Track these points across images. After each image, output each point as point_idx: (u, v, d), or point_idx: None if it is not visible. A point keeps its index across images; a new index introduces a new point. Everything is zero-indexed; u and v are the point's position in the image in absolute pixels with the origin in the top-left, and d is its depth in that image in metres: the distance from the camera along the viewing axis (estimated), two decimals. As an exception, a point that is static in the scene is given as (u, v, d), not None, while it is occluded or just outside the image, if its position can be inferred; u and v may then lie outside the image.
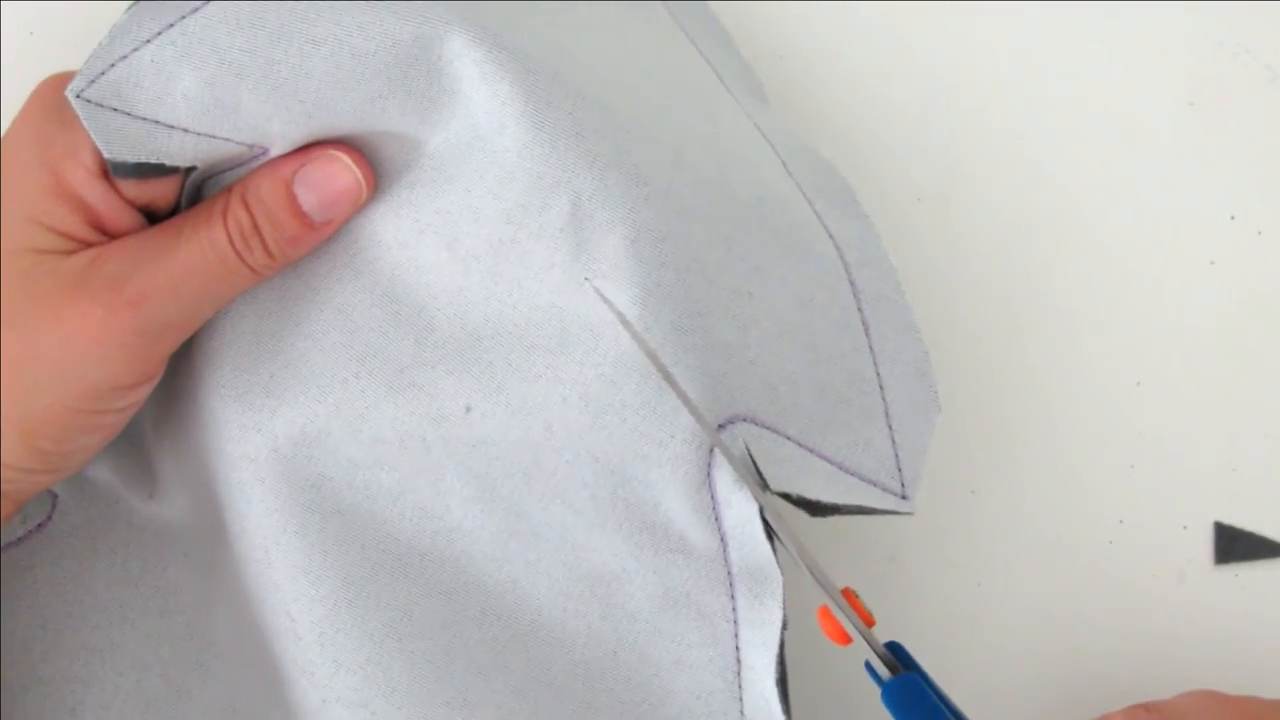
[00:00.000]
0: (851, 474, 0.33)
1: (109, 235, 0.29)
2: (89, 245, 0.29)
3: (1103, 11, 0.41)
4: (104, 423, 0.30)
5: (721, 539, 0.32)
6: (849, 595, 0.30)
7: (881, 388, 0.34)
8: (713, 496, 0.32)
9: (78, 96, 0.28)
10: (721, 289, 0.32)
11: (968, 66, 0.41)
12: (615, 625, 0.32)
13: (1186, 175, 0.41)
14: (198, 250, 0.29)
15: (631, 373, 0.31)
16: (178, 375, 0.32)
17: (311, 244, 0.31)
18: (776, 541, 0.31)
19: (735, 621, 0.32)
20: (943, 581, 0.39)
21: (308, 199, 0.30)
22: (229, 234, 0.30)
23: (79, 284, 0.28)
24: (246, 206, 0.30)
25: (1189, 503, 0.39)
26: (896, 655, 0.30)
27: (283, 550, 0.31)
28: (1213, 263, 0.40)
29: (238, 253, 0.30)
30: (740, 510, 0.31)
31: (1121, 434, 0.39)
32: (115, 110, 0.28)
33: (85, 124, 0.28)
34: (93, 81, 0.28)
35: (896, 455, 0.33)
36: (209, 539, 0.33)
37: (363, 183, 0.31)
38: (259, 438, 0.31)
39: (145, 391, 0.30)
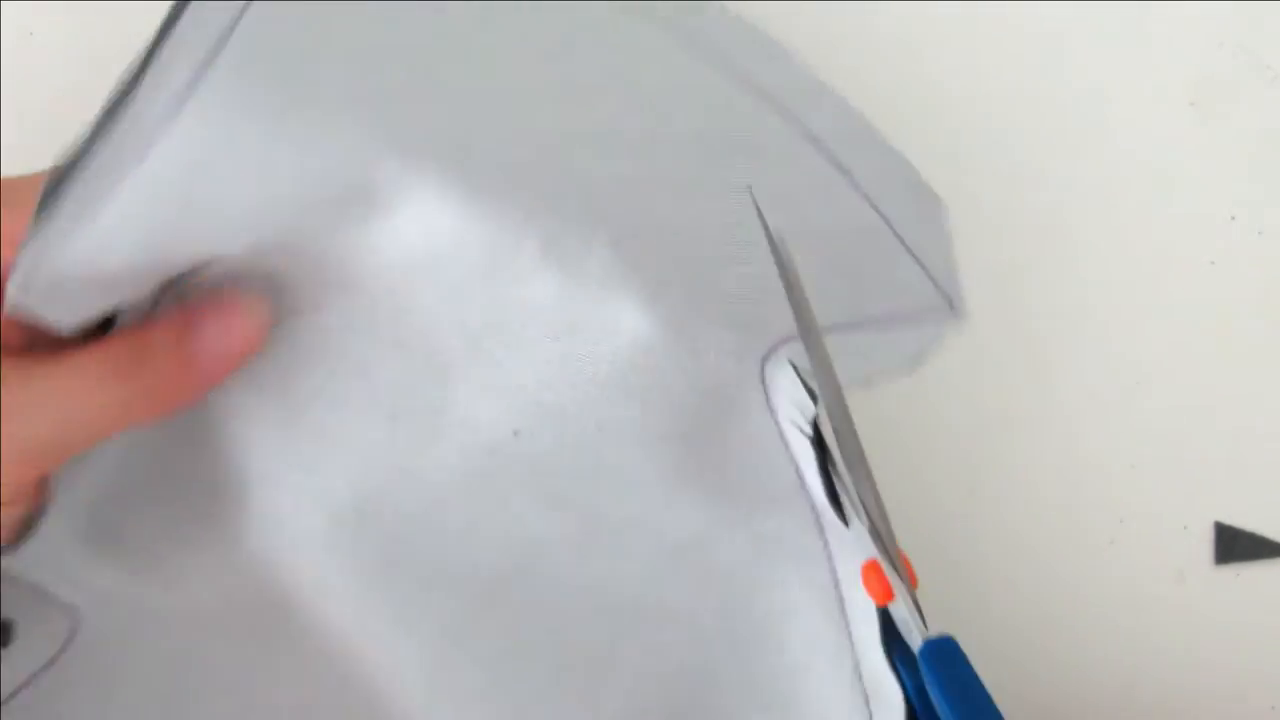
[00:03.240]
0: (902, 321, 0.32)
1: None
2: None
3: (1103, 11, 0.41)
4: None
5: (797, 472, 0.32)
6: (900, 555, 0.30)
7: (888, 222, 0.32)
8: (780, 430, 0.32)
9: (16, 307, 0.27)
10: (711, 239, 0.31)
11: (967, 66, 0.41)
12: (715, 587, 0.32)
13: (1186, 175, 0.41)
14: (72, 374, 0.28)
15: (655, 347, 0.31)
16: (192, 473, 0.32)
17: (196, 393, 0.30)
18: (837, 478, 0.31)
19: (830, 558, 0.32)
20: (943, 581, 0.39)
21: (198, 346, 0.29)
22: (111, 366, 0.29)
23: None
24: (135, 345, 0.29)
25: (1189, 503, 0.39)
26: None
27: (372, 611, 0.31)
28: (1213, 263, 0.40)
29: (116, 386, 0.29)
30: (803, 444, 0.31)
31: (1121, 434, 0.39)
32: (55, 301, 0.28)
33: (37, 315, 0.27)
34: (27, 289, 0.27)
35: (932, 279, 0.32)
36: (257, 618, 0.32)
37: (258, 337, 0.30)
38: (315, 516, 0.31)
39: (15, 512, 0.29)
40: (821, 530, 0.32)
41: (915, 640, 0.29)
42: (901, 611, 0.29)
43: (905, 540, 0.38)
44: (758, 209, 0.30)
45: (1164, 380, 0.40)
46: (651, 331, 0.31)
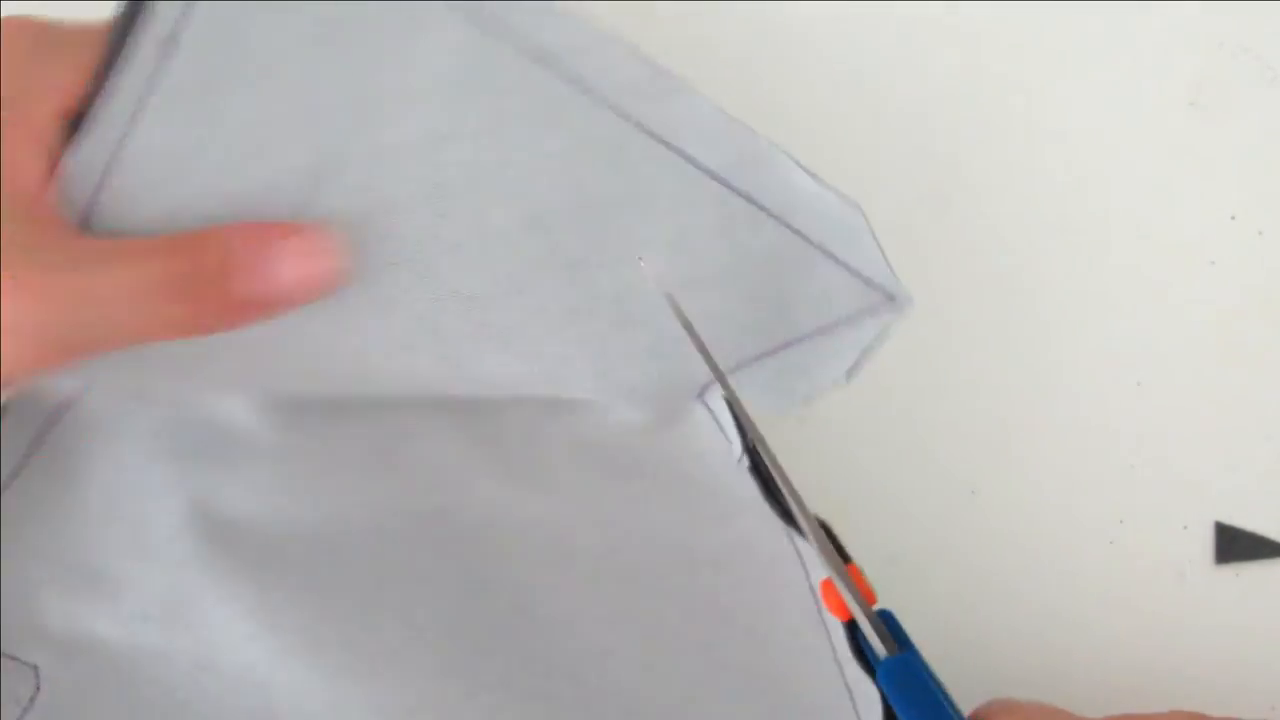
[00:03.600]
0: (841, 326, 0.32)
1: None
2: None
3: (1103, 11, 0.41)
4: None
5: (760, 483, 0.33)
6: (854, 572, 0.30)
7: (803, 236, 0.32)
8: (731, 449, 0.33)
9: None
10: (606, 311, 0.31)
11: (968, 66, 0.41)
12: (704, 578, 0.33)
13: (1186, 175, 0.41)
14: (124, 273, 0.26)
15: (578, 418, 0.33)
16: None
17: (254, 319, 0.27)
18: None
19: (803, 563, 0.33)
20: (943, 581, 0.39)
21: (275, 269, 0.27)
22: (168, 273, 0.26)
23: (9, 246, 0.25)
24: (201, 255, 0.26)
25: (1189, 503, 0.39)
26: (888, 625, 0.30)
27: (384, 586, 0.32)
28: (1213, 263, 0.40)
29: (173, 301, 0.26)
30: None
31: (1121, 434, 0.39)
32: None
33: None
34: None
35: (862, 279, 0.32)
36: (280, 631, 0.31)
37: (337, 274, 0.27)
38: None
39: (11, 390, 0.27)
40: (791, 538, 0.33)
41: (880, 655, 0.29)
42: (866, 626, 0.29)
43: (906, 541, 0.38)
44: (647, 274, 0.30)
45: (1164, 380, 0.40)
46: (573, 411, 0.33)
